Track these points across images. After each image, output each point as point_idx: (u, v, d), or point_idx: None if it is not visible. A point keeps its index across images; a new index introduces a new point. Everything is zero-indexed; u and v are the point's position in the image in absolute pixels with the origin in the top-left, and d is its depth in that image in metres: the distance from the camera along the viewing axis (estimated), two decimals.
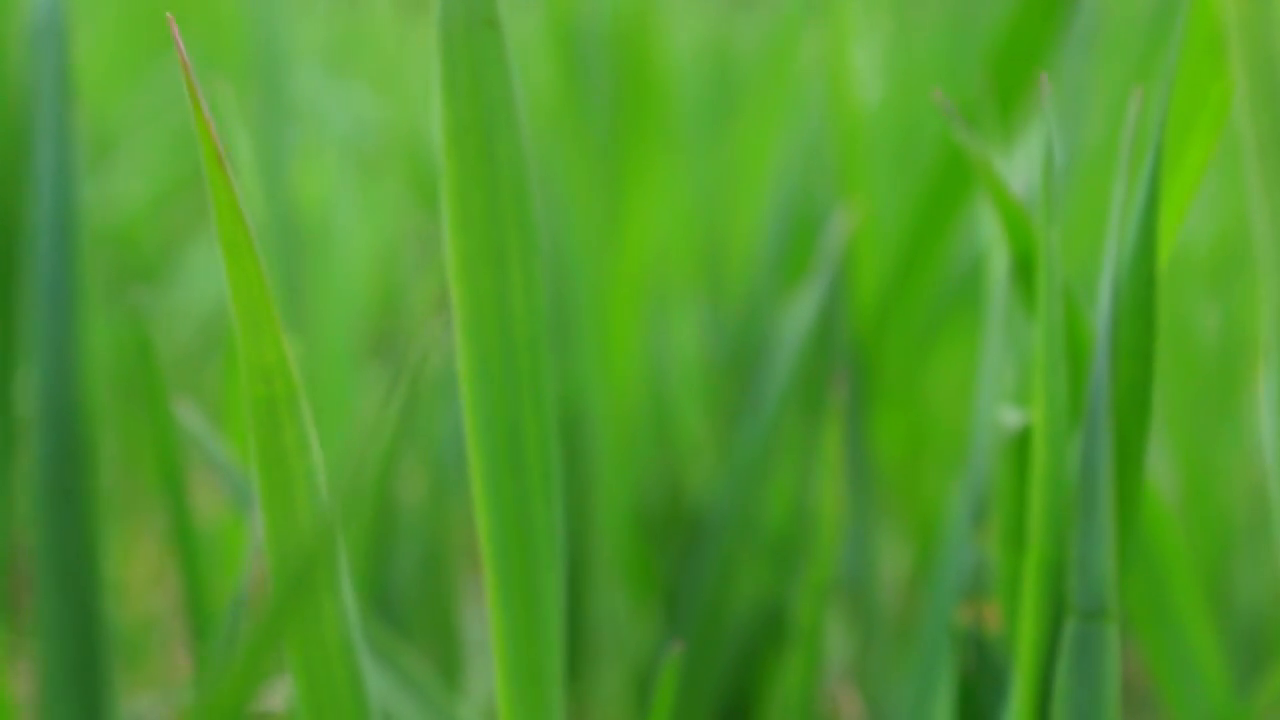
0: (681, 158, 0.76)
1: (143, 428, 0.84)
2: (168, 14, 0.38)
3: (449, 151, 0.40)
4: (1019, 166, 0.70)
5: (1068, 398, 0.43)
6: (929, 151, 0.73)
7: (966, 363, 0.82)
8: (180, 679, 0.73)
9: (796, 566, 0.68)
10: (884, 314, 0.70)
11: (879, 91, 0.92)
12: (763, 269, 0.72)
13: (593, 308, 0.69)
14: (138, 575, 0.84)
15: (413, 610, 0.68)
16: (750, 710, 0.67)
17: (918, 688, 0.56)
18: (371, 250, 0.84)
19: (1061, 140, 0.69)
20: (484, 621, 0.75)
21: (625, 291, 0.74)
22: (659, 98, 0.76)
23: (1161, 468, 0.75)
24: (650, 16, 0.73)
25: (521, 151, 0.41)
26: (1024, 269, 0.46)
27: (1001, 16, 0.67)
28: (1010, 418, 0.47)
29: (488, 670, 0.70)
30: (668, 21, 0.76)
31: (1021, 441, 0.47)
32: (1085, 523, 0.42)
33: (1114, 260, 0.42)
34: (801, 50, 0.81)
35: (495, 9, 0.40)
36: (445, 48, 0.40)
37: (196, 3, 1.20)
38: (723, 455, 0.73)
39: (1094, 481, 0.41)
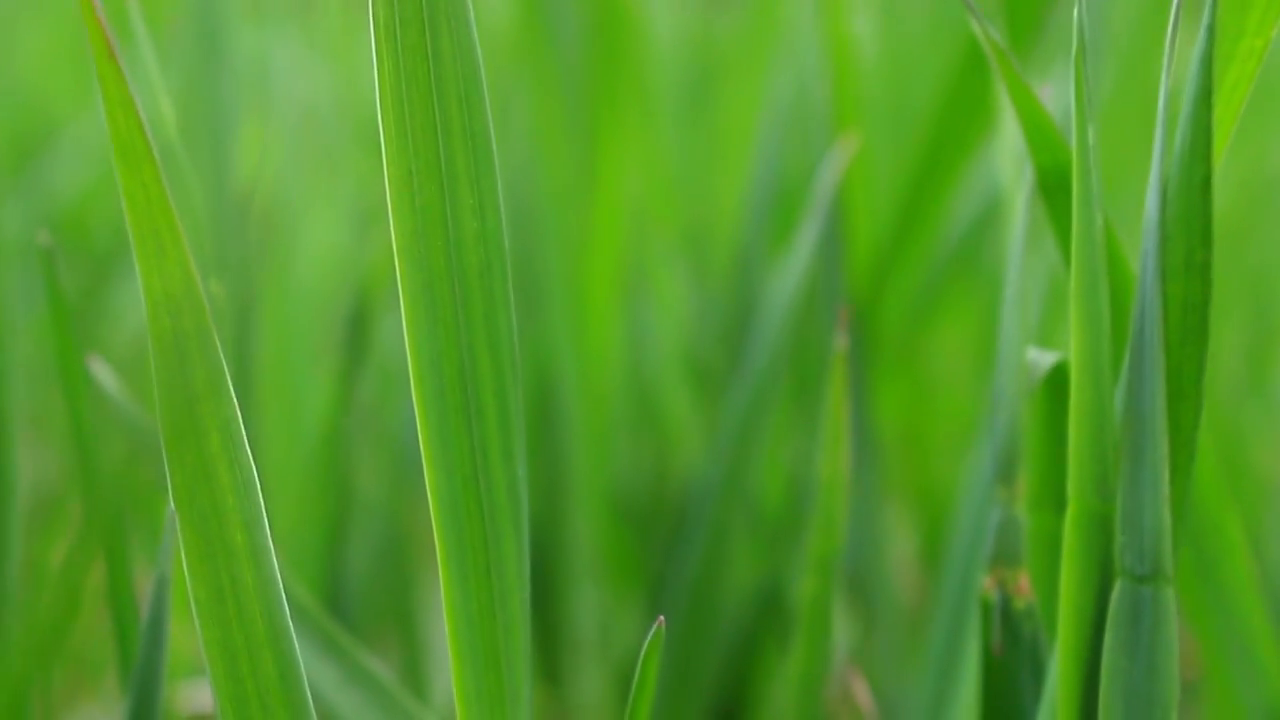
0: (661, 105, 0.70)
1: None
2: None
3: (383, 49, 0.34)
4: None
5: (1110, 324, 0.37)
6: (927, 104, 0.67)
7: (971, 327, 0.77)
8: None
9: (795, 546, 0.62)
10: (882, 275, 0.64)
11: (874, 51, 0.86)
12: (751, 227, 0.66)
13: (564, 270, 0.63)
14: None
15: (370, 606, 0.62)
16: (748, 705, 0.61)
17: (936, 672, 0.50)
18: (331, 228, 0.78)
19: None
20: None
21: (601, 252, 0.68)
22: (635, 40, 0.70)
23: None
24: None
25: (471, 49, 0.35)
26: (1051, 183, 0.40)
27: None
28: (1039, 358, 0.42)
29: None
30: None
31: (1053, 384, 0.41)
32: (1134, 470, 0.36)
33: (1161, 163, 0.36)
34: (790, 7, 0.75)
35: None
36: None
37: None
38: (711, 431, 0.67)
39: (1144, 420, 0.36)
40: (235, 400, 0.33)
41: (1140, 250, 0.36)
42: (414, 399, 0.35)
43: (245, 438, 0.33)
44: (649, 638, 0.33)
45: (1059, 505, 0.42)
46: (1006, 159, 0.50)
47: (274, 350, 0.67)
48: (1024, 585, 0.41)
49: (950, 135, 0.65)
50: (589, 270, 0.68)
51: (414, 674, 0.62)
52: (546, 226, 0.63)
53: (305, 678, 0.34)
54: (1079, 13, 0.35)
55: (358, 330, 0.67)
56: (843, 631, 0.64)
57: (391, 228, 0.35)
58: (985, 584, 0.41)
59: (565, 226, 0.64)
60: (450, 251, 0.35)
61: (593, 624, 0.71)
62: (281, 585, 0.33)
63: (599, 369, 0.69)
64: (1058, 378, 0.41)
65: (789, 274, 0.52)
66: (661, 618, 0.34)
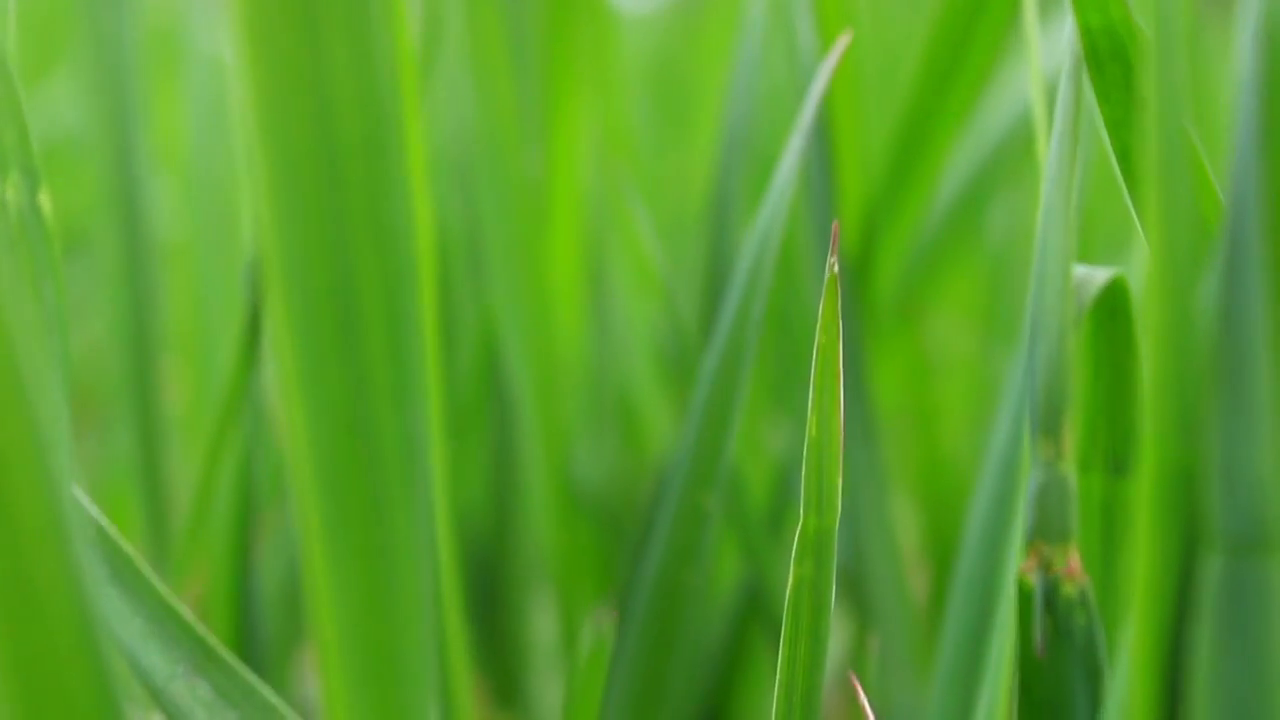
0: (625, 49, 0.61)
1: None
2: None
3: None
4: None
5: (1195, 224, 0.28)
6: (920, 42, 0.59)
7: (976, 291, 0.68)
8: None
9: (783, 538, 0.53)
10: (874, 231, 0.55)
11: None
12: (726, 171, 0.57)
13: (515, 232, 0.54)
14: None
15: (278, 624, 0.53)
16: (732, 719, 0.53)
17: (952, 680, 0.42)
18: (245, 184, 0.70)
19: None
20: None
21: (558, 210, 0.60)
22: None
23: None
24: None
25: None
26: (1102, 49, 0.31)
27: None
28: (1088, 276, 0.33)
29: None
30: None
31: (1107, 308, 0.33)
32: (1230, 406, 0.27)
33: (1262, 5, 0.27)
34: None
35: None
36: None
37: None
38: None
39: (1242, 340, 0.27)
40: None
41: (1235, 121, 0.28)
42: (273, 320, 0.26)
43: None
44: (591, 640, 0.25)
45: (1119, 462, 0.33)
46: (1032, 64, 0.41)
47: (185, 313, 0.59)
48: (1074, 565, 0.32)
49: (948, 73, 0.56)
50: (544, 232, 0.59)
51: None
52: (494, 182, 0.54)
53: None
54: None
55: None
56: (839, 633, 0.55)
57: (241, 92, 0.26)
58: (1024, 566, 0.33)
59: (516, 183, 0.55)
60: (318, 122, 0.26)
61: (552, 634, 0.62)
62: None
63: (557, 343, 0.60)
64: (1112, 300, 0.33)
65: (767, 213, 0.44)
66: (609, 615, 0.25)
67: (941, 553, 0.59)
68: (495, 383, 0.59)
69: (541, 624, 0.64)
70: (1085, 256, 0.46)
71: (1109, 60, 0.31)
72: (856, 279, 0.52)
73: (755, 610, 0.53)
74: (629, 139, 0.68)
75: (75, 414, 0.77)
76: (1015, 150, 0.60)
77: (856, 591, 0.53)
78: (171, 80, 0.80)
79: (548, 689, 0.62)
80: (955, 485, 0.57)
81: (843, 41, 0.45)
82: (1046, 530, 0.32)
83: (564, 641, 0.58)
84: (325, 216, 0.26)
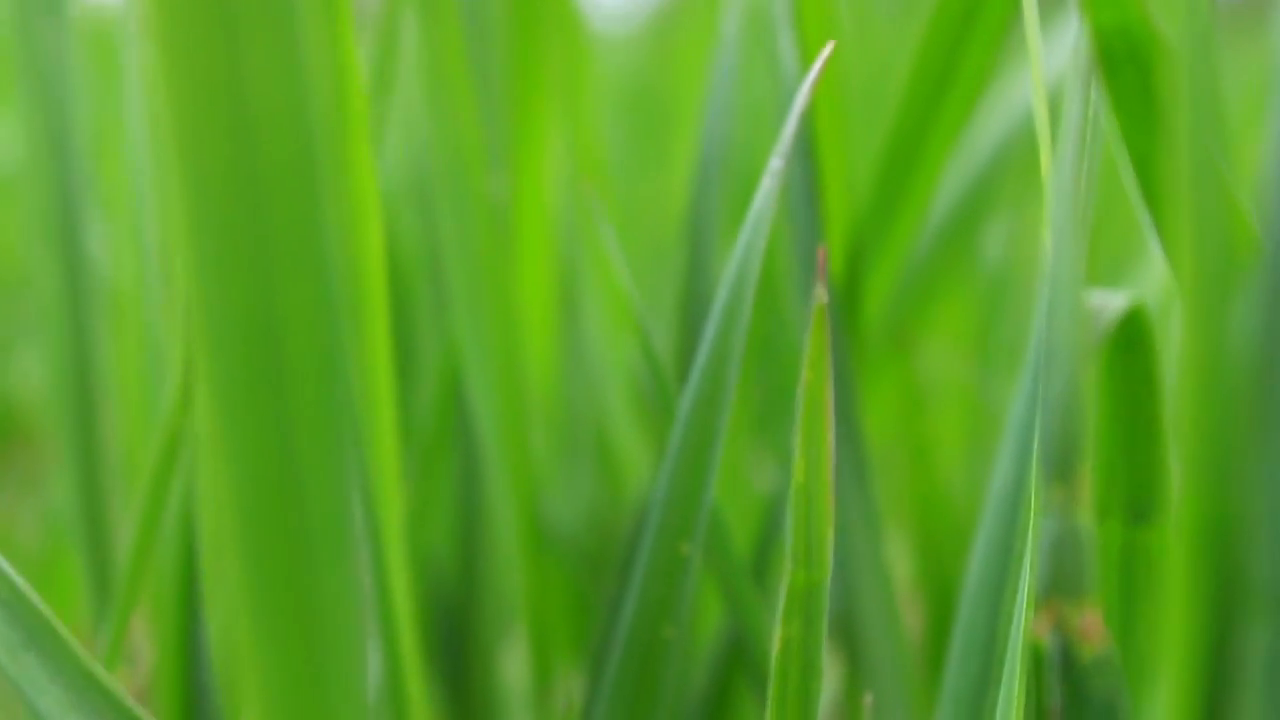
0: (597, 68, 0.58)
1: None
2: None
3: None
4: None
5: (1227, 245, 0.25)
6: (909, 60, 0.55)
7: (969, 319, 0.65)
8: None
9: (768, 583, 0.50)
10: (862, 257, 0.52)
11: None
12: (703, 193, 0.54)
13: (477, 260, 0.51)
14: None
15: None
16: None
17: None
18: None
19: None
20: None
21: (525, 235, 0.56)
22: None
23: None
24: None
25: None
26: (1117, 51, 0.28)
27: None
28: (1106, 301, 0.30)
29: None
30: None
31: (1127, 337, 0.29)
32: (1272, 451, 0.24)
33: None
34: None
35: None
36: None
37: None
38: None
39: None
40: None
41: (1269, 135, 0.24)
42: (193, 361, 0.23)
43: None
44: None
45: (1141, 509, 0.30)
46: (1034, 72, 0.38)
47: (128, 353, 0.55)
48: (1093, 625, 0.29)
49: (940, 84, 0.53)
50: (510, 260, 0.56)
51: None
52: (455, 206, 0.51)
53: None
54: None
55: None
56: (829, 677, 0.52)
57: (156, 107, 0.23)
58: (1036, 625, 0.29)
59: (478, 208, 0.52)
60: (237, 138, 0.23)
61: (524, 683, 0.59)
62: None
63: (526, 377, 0.57)
64: (1130, 329, 0.30)
65: (745, 238, 0.41)
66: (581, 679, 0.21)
67: (936, 590, 0.56)
68: (461, 419, 0.56)
69: (513, 673, 0.61)
70: (1087, 276, 0.43)
71: (1124, 63, 0.28)
72: (844, 304, 0.49)
73: (740, 662, 0.49)
74: (604, 161, 0.65)
75: (15, 457, 0.74)
76: (1011, 166, 0.57)
77: (848, 633, 0.49)
78: (117, 115, 0.77)
79: None
80: (951, 521, 0.53)
81: (825, 53, 0.41)
82: (1061, 585, 0.29)
83: (536, 692, 0.55)
84: (245, 246, 0.23)
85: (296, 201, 0.23)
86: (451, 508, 0.59)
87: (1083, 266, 0.30)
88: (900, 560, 0.59)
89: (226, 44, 0.23)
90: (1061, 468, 0.29)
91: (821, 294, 0.32)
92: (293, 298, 0.23)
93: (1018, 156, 0.58)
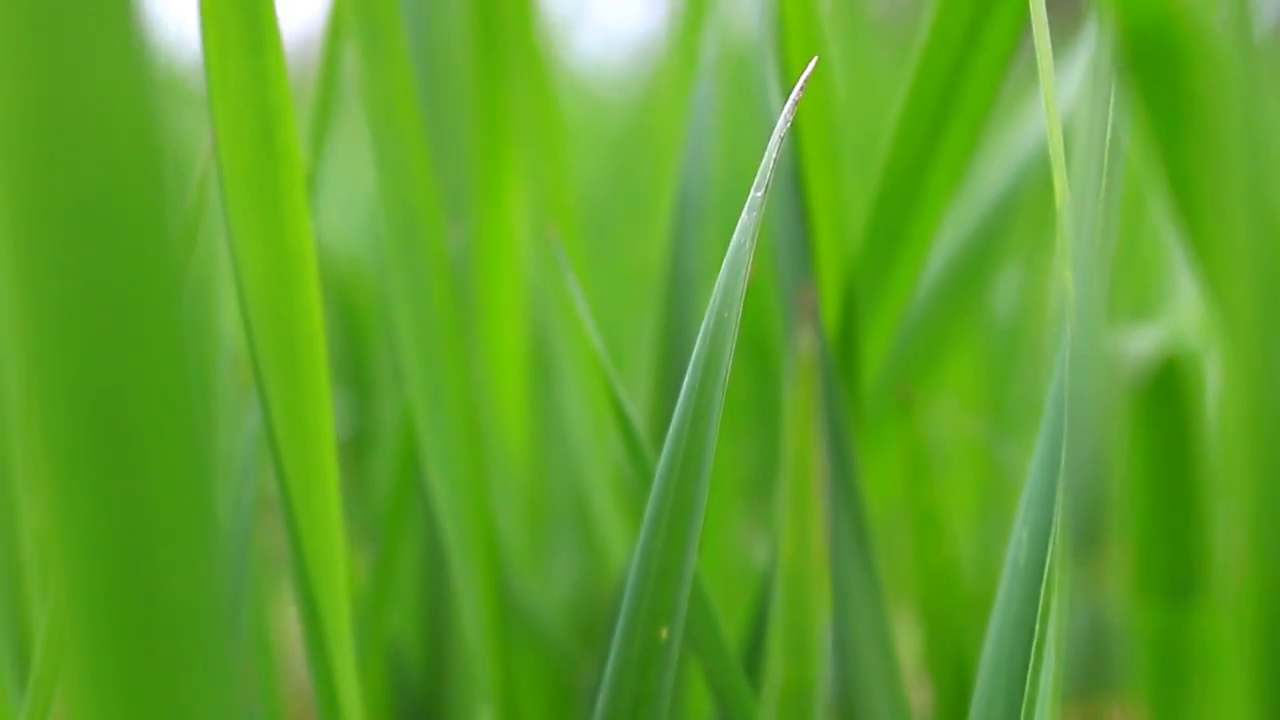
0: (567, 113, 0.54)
1: None
2: None
3: None
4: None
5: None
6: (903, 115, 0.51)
7: (976, 374, 0.61)
8: None
9: (759, 671, 0.45)
10: (858, 304, 0.47)
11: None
12: (681, 266, 0.50)
13: (434, 312, 0.47)
14: None
15: None
16: None
17: None
18: None
19: None
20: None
21: (495, 299, 0.52)
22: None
23: None
24: None
25: None
26: (1147, 47, 0.24)
27: None
28: (1133, 347, 0.25)
29: None
30: None
31: (1159, 390, 0.25)
32: None
33: None
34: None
35: None
36: None
37: None
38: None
39: None
40: None
41: None
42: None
43: None
44: None
45: (1183, 586, 0.26)
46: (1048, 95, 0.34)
47: None
48: None
49: (939, 113, 0.49)
50: (476, 318, 0.52)
51: None
52: (406, 261, 0.47)
53: None
54: None
55: None
56: None
57: None
58: None
59: (433, 262, 0.47)
60: (66, 180, 0.18)
61: None
62: None
63: (490, 449, 0.53)
64: (1165, 378, 0.25)
65: (723, 284, 0.36)
66: None
67: (946, 672, 0.52)
68: (423, 493, 0.51)
69: None
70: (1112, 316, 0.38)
71: (1158, 68, 0.24)
72: (839, 355, 0.45)
73: None
74: (579, 208, 0.61)
75: None
76: (1023, 206, 0.52)
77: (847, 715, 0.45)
78: None
79: None
80: (962, 597, 0.49)
81: (808, 72, 0.37)
82: (1091, 676, 0.25)
83: None
84: (79, 313, 0.18)
85: (142, 250, 0.19)
86: (415, 589, 0.55)
87: (1106, 305, 0.26)
88: (906, 638, 0.55)
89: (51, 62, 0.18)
90: (1089, 537, 0.24)
91: (809, 342, 0.27)
92: (138, 366, 0.19)
93: (1030, 196, 0.54)
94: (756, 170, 0.37)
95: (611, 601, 0.46)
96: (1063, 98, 0.55)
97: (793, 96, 0.35)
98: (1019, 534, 0.36)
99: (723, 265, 0.37)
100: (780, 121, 0.35)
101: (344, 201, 1.18)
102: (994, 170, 0.53)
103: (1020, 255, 0.67)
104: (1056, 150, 0.31)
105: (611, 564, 0.57)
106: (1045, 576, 0.35)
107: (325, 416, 0.39)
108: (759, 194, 0.35)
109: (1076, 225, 0.25)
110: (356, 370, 0.68)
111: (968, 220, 0.53)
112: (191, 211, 0.38)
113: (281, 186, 0.37)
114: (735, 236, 0.37)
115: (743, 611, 0.48)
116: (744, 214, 0.35)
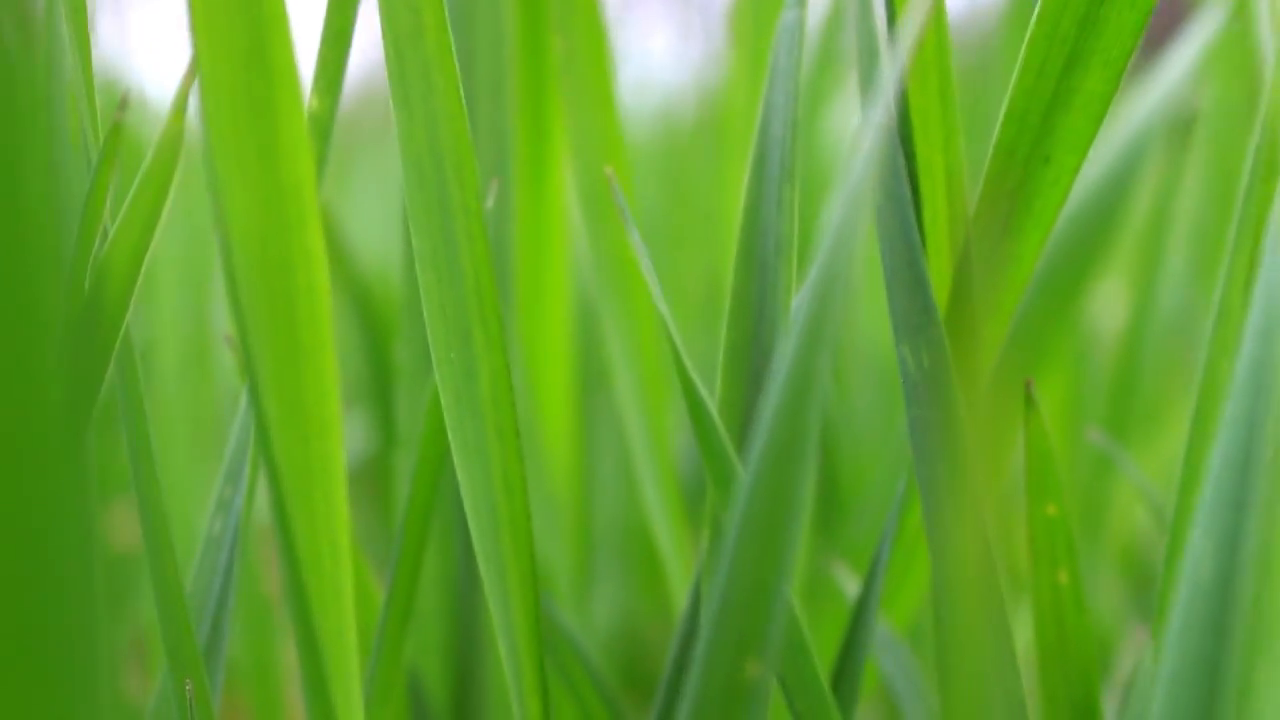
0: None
1: None
2: None
3: None
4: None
5: None
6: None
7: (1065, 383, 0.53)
8: None
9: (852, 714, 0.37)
10: (972, 284, 0.40)
11: None
12: (762, 245, 0.42)
13: (463, 302, 0.39)
14: None
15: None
16: None
17: None
18: None
19: None
20: None
21: (538, 284, 0.45)
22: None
23: None
24: None
25: None
26: None
27: None
28: None
29: None
30: None
31: None
32: None
33: None
34: None
35: None
36: None
37: None
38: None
39: None
40: None
41: None
42: None
43: None
44: None
45: None
46: None
47: None
48: None
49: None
50: (516, 314, 0.45)
51: None
52: (435, 248, 0.39)
53: None
54: None
55: None
56: None
57: None
58: None
59: (469, 233, 0.40)
60: None
61: None
62: None
63: (527, 461, 0.46)
64: None
65: (835, 231, 0.29)
66: None
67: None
68: (455, 507, 0.44)
69: None
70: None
71: None
72: (952, 340, 0.37)
73: None
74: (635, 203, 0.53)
75: None
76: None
77: None
78: None
79: None
80: (1085, 621, 0.41)
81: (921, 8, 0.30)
82: None
83: None
84: None
85: None
86: (441, 618, 0.47)
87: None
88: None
89: None
90: None
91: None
92: None
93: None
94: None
95: (677, 633, 0.39)
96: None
97: (909, 28, 0.27)
98: (1199, 547, 0.29)
99: (824, 240, 0.30)
100: (889, 60, 0.28)
101: (366, 204, 1.10)
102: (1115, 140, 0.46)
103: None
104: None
105: (665, 585, 0.50)
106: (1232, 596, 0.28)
107: (331, 406, 0.32)
108: (879, 113, 0.27)
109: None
110: (378, 388, 0.61)
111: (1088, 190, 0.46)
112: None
113: (278, 112, 0.30)
114: (839, 204, 0.30)
115: (829, 645, 0.41)
116: (858, 141, 0.28)
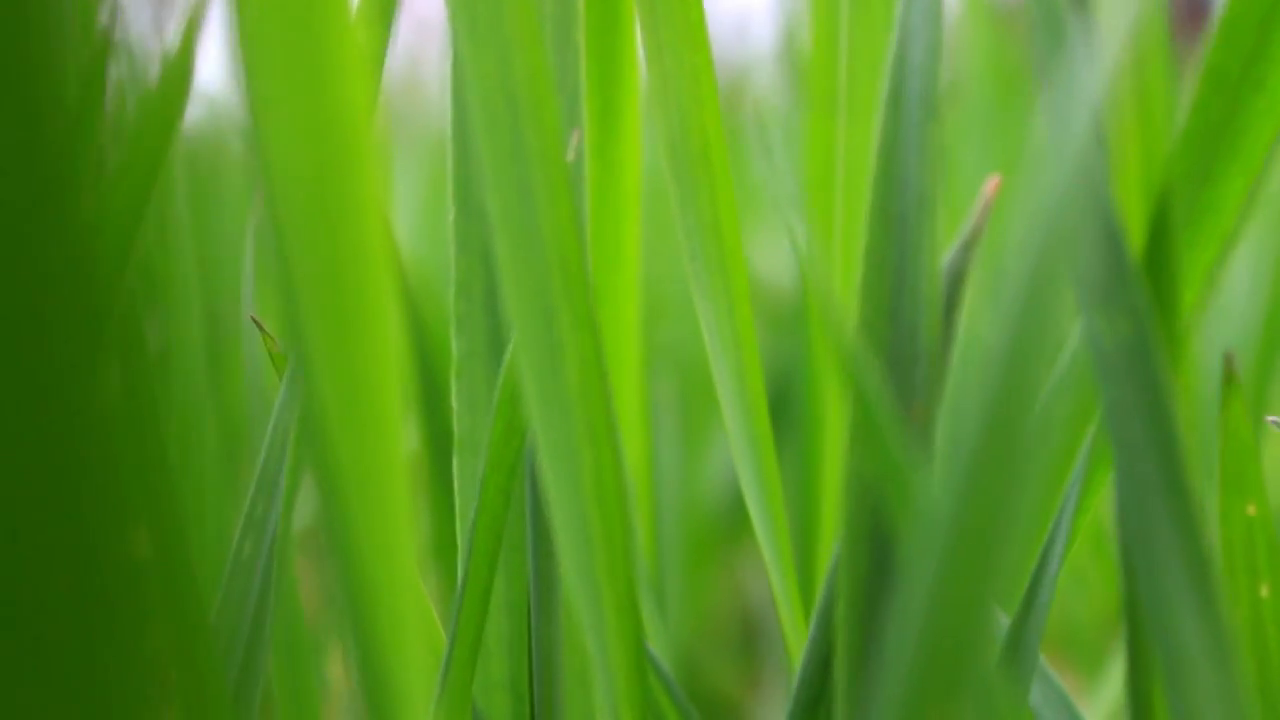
0: None
1: None
2: None
3: None
4: None
5: None
6: None
7: None
8: None
9: None
10: (1170, 231, 0.33)
11: None
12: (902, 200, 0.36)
13: (547, 273, 0.33)
14: None
15: None
16: None
17: None
18: None
19: None
20: None
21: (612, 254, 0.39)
22: None
23: None
24: None
25: None
26: None
27: None
28: None
29: None
30: None
31: None
32: None
33: None
34: None
35: None
36: None
37: None
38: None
39: None
40: None
41: None
42: None
43: None
44: None
45: None
46: None
47: None
48: None
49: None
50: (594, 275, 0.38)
51: None
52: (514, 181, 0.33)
53: None
54: None
55: None
56: None
57: None
58: None
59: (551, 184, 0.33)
60: None
61: None
62: None
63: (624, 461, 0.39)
64: None
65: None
66: None
67: None
68: (532, 518, 0.37)
69: None
70: None
71: None
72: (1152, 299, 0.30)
73: None
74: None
75: None
76: None
77: None
78: None
79: None
80: None
81: None
82: None
83: None
84: None
85: None
86: (508, 650, 0.40)
87: None
88: None
89: None
90: None
91: None
92: None
93: None
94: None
95: (801, 678, 0.32)
96: None
97: None
98: None
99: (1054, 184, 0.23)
100: None
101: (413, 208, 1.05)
102: None
103: None
104: None
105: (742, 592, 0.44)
106: None
107: (393, 392, 0.25)
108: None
109: None
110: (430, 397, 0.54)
111: None
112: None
113: (327, 31, 0.24)
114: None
115: None
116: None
